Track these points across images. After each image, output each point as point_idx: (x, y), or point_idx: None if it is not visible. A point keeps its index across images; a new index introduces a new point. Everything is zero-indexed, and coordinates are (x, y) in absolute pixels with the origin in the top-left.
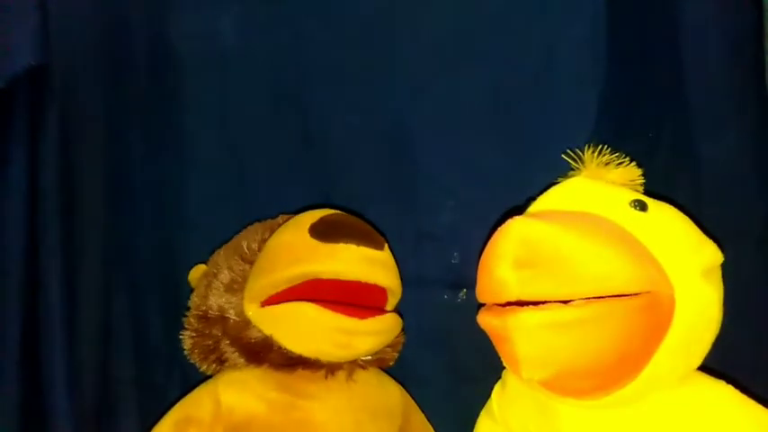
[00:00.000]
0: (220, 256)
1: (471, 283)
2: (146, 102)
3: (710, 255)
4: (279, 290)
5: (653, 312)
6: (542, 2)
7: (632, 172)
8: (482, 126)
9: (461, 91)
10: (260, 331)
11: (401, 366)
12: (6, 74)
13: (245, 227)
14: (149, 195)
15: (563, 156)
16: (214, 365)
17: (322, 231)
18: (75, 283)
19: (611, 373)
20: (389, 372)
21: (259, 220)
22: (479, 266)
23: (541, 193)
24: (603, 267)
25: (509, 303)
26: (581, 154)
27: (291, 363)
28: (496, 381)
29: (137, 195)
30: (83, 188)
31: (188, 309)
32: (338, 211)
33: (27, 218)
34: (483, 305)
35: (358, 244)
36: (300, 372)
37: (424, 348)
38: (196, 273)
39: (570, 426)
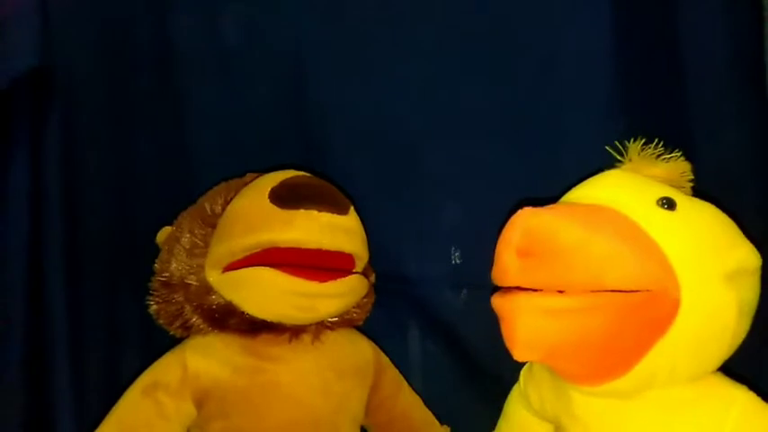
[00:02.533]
0: (185, 218)
1: (472, 283)
2: (147, 101)
3: (739, 258)
4: (237, 258)
5: (649, 311)
6: (546, 3)
7: (680, 166)
8: (483, 126)
9: (463, 91)
10: (222, 297)
11: (402, 366)
12: (8, 75)
13: None
14: (151, 194)
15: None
16: (180, 330)
17: (282, 196)
18: (79, 283)
19: (598, 363)
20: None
21: None
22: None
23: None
24: (597, 263)
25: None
26: (626, 146)
27: (255, 327)
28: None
29: (139, 195)
30: (85, 188)
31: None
32: (302, 173)
33: (30, 218)
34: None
35: (319, 209)
36: (265, 336)
37: (424, 348)
38: (162, 235)
39: (580, 411)
